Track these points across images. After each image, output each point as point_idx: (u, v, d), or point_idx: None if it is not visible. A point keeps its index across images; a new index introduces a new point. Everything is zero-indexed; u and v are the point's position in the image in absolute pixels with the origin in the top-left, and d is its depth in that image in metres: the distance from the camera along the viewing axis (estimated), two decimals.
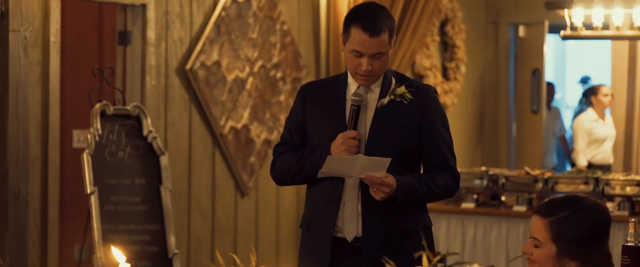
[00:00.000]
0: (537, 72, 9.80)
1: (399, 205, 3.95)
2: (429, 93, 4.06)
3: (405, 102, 4.01)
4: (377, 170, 3.87)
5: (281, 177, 4.17)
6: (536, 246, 3.17)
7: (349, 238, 4.01)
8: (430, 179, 4.00)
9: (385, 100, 4.01)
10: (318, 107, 4.08)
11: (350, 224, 4.00)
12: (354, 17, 3.94)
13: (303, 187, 7.65)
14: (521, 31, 10.07)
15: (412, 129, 4.01)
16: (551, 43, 16.76)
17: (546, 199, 3.31)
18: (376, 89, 4.03)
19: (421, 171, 4.11)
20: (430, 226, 4.12)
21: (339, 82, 4.09)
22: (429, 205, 4.18)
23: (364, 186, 3.98)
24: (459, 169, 4.15)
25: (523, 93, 10.01)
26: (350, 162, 3.90)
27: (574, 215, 3.14)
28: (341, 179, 4.00)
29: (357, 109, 3.97)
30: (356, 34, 3.91)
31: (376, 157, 3.89)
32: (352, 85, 4.04)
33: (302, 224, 4.17)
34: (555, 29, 9.25)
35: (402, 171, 3.97)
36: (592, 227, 3.14)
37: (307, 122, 4.09)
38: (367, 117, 4.01)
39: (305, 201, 4.19)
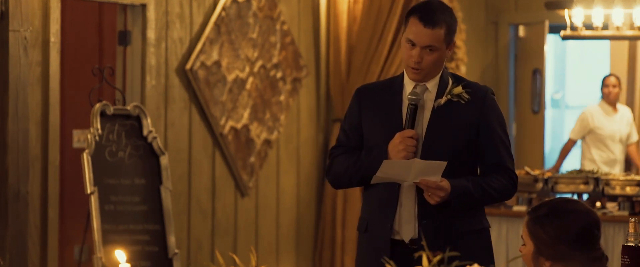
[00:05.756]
0: (538, 72, 9.79)
1: (453, 209, 3.92)
2: (487, 94, 4.03)
3: (462, 102, 3.99)
4: (433, 174, 3.84)
5: (338, 179, 4.12)
6: (523, 244, 3.23)
7: (406, 239, 3.98)
8: (486, 182, 3.96)
9: (442, 100, 3.98)
10: (374, 109, 4.06)
11: (407, 225, 3.97)
12: (415, 8, 3.98)
13: (303, 188, 7.71)
14: (521, 31, 10.06)
15: (469, 130, 3.98)
16: (551, 43, 16.76)
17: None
18: (433, 89, 4.01)
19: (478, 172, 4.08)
20: (487, 227, 4.08)
21: (395, 83, 4.09)
22: None
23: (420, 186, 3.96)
24: None
25: (523, 93, 10.00)
26: (406, 166, 3.86)
27: (549, 216, 3.16)
28: None
29: (414, 108, 3.95)
30: (412, 23, 3.93)
31: (432, 161, 3.86)
32: (408, 86, 4.03)
33: (359, 227, 4.13)
34: (555, 29, 9.25)
35: (459, 172, 3.94)
36: (566, 231, 3.13)
37: (364, 124, 4.07)
38: (424, 118, 3.99)
39: (362, 203, 4.15)
